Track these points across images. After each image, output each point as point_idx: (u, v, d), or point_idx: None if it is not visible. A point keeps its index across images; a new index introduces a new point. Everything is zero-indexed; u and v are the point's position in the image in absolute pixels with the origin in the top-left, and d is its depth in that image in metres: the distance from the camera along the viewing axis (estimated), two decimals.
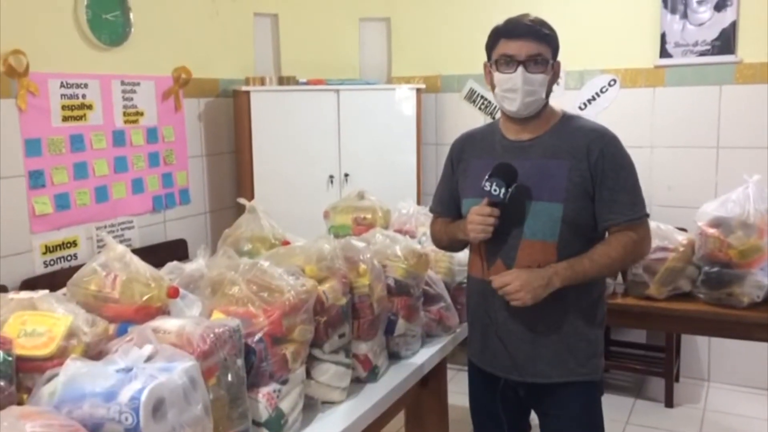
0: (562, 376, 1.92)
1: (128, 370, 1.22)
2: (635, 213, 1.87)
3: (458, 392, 2.68)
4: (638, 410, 3.68)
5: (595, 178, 1.86)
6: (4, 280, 2.85)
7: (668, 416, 3.62)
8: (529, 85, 1.85)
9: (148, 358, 1.26)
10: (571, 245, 1.86)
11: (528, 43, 1.84)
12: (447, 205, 2.10)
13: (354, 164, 3.97)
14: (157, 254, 3.30)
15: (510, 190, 1.82)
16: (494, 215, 1.84)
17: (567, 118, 1.97)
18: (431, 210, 2.20)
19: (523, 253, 1.88)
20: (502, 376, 1.99)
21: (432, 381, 2.28)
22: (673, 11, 3.74)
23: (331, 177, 3.94)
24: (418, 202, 3.86)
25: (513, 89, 1.86)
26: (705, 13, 3.68)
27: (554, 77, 1.92)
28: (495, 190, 1.82)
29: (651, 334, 4.02)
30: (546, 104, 1.94)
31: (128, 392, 1.17)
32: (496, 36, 1.90)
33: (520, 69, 1.84)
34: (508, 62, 1.86)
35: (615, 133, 1.93)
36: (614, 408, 3.62)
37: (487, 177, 1.84)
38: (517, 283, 1.80)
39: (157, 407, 1.18)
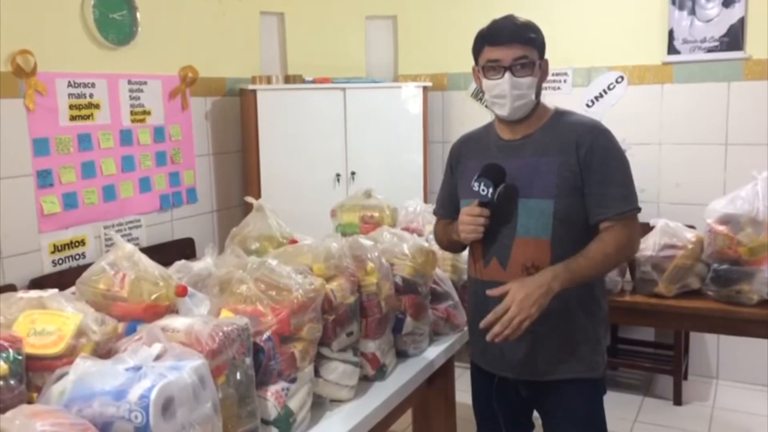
0: (563, 374, 1.91)
1: (138, 368, 1.22)
2: (626, 206, 1.85)
3: (465, 390, 2.67)
4: (646, 408, 3.67)
5: (584, 172, 1.85)
6: (13, 279, 2.86)
7: (677, 414, 3.61)
8: (517, 89, 1.85)
9: (158, 357, 1.27)
10: (564, 242, 1.85)
11: (512, 49, 1.84)
12: (448, 208, 2.11)
13: (360, 163, 3.97)
14: (165, 253, 3.30)
15: (498, 189, 1.84)
16: (484, 215, 1.86)
17: (558, 114, 1.97)
18: (434, 212, 2.22)
19: (517, 251, 1.88)
20: (503, 374, 1.98)
21: (439, 379, 2.28)
22: (681, 7, 3.72)
23: (338, 175, 3.94)
24: (425, 200, 3.85)
25: (501, 95, 1.87)
26: (713, 9, 3.66)
27: (543, 76, 1.92)
28: (483, 190, 1.85)
29: (659, 332, 4.01)
30: (537, 103, 1.94)
31: (138, 391, 1.17)
32: (481, 42, 1.91)
33: (507, 74, 1.84)
34: (495, 68, 1.86)
35: (607, 127, 1.92)
36: (622, 406, 3.61)
37: (475, 178, 1.86)
38: (514, 308, 1.71)
39: (167, 406, 1.18)
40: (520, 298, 1.72)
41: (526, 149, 1.91)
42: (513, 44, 1.84)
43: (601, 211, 1.85)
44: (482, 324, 1.76)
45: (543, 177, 1.86)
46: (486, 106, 4.28)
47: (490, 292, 1.80)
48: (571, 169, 1.85)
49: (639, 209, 1.89)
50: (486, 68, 1.88)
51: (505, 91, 1.85)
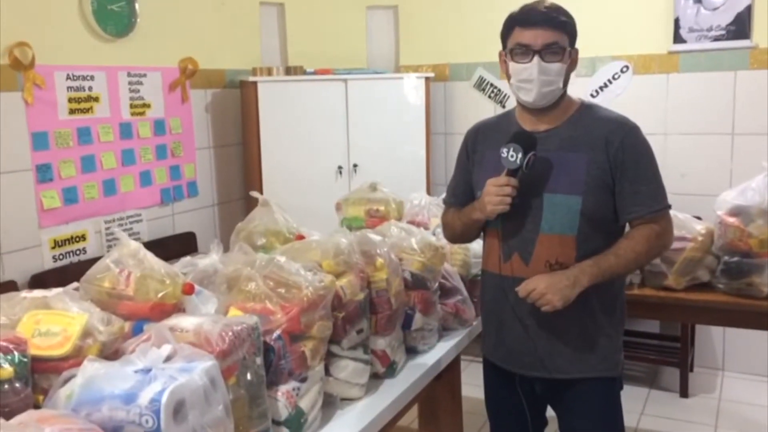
0: (581, 372, 1.88)
1: (147, 370, 1.19)
2: (658, 204, 1.83)
3: (471, 384, 2.65)
4: (653, 400, 3.65)
5: (615, 171, 1.81)
6: (14, 275, 2.83)
7: (683, 406, 3.59)
8: (545, 75, 1.79)
9: (167, 359, 1.23)
10: (590, 239, 1.81)
11: (544, 32, 1.78)
12: (461, 197, 2.04)
13: (363, 155, 3.93)
14: (166, 247, 3.27)
15: (528, 157, 1.77)
16: (511, 185, 1.78)
17: (585, 108, 1.91)
18: (445, 201, 2.14)
19: (541, 247, 1.83)
20: (519, 372, 1.95)
21: (446, 374, 2.25)
22: None
23: (340, 168, 3.90)
24: (428, 192, 3.81)
25: (528, 79, 1.80)
26: None
27: (572, 65, 1.86)
28: (512, 156, 1.77)
29: (665, 324, 3.99)
30: (564, 93, 1.88)
31: (148, 394, 1.14)
32: (511, 24, 1.84)
33: (536, 59, 1.78)
34: (524, 52, 1.80)
35: (635, 123, 1.88)
36: (629, 398, 3.53)
37: (505, 144, 1.79)
38: (541, 286, 1.75)
39: (178, 409, 1.15)
40: (545, 284, 1.75)
41: (551, 142, 1.85)
42: (544, 27, 1.78)
43: (633, 210, 1.82)
44: (519, 291, 1.79)
45: (570, 173, 1.81)
46: (489, 97, 4.27)
47: (518, 288, 1.79)
48: (600, 166, 1.81)
49: (669, 206, 1.87)
50: (514, 51, 1.82)
51: (532, 76, 1.79)
